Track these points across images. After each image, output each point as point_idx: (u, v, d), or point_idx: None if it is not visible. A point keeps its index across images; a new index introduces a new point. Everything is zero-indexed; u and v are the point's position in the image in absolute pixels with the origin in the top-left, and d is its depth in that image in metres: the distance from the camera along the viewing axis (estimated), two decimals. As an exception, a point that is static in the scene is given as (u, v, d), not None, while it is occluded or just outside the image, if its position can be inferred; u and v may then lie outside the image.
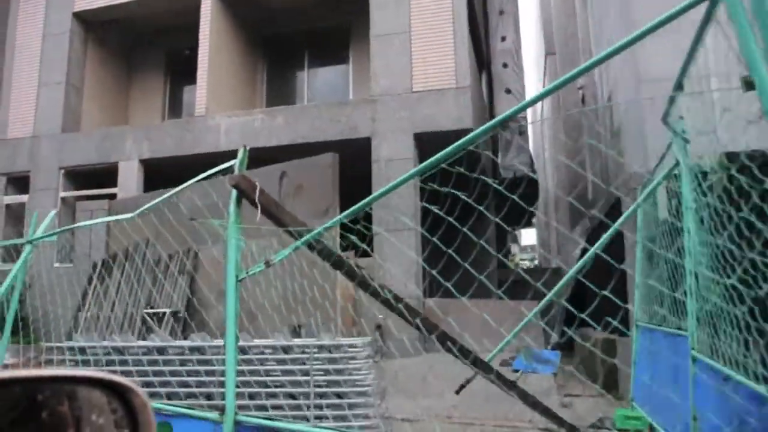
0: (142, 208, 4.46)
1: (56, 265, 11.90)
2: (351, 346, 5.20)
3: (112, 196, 11.62)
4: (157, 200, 4.26)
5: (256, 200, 2.73)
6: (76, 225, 4.30)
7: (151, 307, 8.39)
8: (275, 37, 13.45)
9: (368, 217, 8.90)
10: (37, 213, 4.33)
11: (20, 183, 12.65)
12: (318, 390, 4.94)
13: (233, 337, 2.54)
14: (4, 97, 13.01)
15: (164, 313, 8.41)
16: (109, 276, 8.40)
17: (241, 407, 4.52)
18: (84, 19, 13.02)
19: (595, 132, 12.99)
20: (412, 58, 10.73)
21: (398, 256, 9.58)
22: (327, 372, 5.04)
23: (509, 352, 8.91)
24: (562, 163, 19.38)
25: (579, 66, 2.24)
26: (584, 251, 7.52)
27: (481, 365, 3.45)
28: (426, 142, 10.47)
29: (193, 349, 5.19)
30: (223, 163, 4.47)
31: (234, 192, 2.86)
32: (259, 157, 10.73)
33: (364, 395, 4.94)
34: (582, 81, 15.10)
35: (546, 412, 3.32)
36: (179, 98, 14.16)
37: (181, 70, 14.16)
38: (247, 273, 2.73)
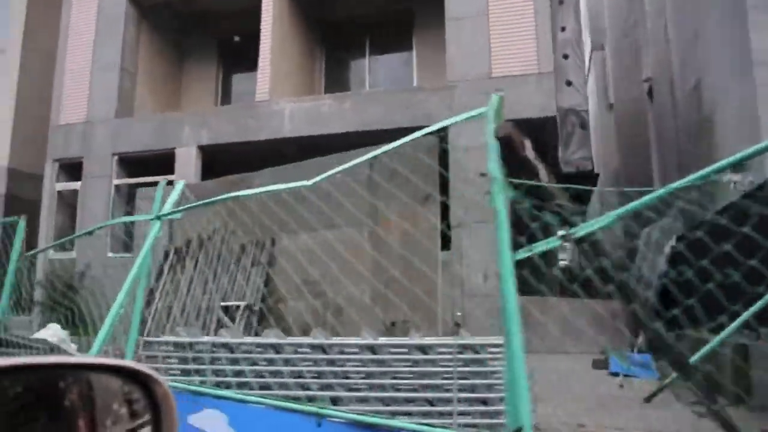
0: (263, 189, 3.89)
1: (110, 255, 11.47)
2: (493, 345, 4.61)
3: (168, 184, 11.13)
4: (291, 185, 3.66)
5: (527, 156, 2.13)
6: (202, 201, 3.73)
7: (226, 301, 7.86)
8: (335, 24, 12.90)
9: (445, 210, 8.33)
10: (163, 184, 3.78)
11: (73, 170, 12.23)
12: (461, 395, 4.36)
13: (517, 338, 1.93)
14: (57, 82, 12.61)
15: (237, 307, 7.88)
16: (181, 266, 7.89)
17: (376, 413, 3.94)
18: (138, 1, 12.58)
19: (671, 125, 12.27)
20: (491, 42, 10.12)
21: (480, 250, 8.98)
22: (465, 374, 4.46)
23: (595, 353, 8.28)
24: (614, 158, 18.61)
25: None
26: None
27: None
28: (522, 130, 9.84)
29: (316, 347, 4.62)
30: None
31: (494, 145, 2.26)
32: (325, 144, 10.21)
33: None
34: (649, 72, 14.35)
35: None
36: (232, 85, 13.67)
37: (235, 56, 13.69)
38: (531, 249, 2.11)
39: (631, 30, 16.16)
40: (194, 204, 3.58)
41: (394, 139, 9.19)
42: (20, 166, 14.56)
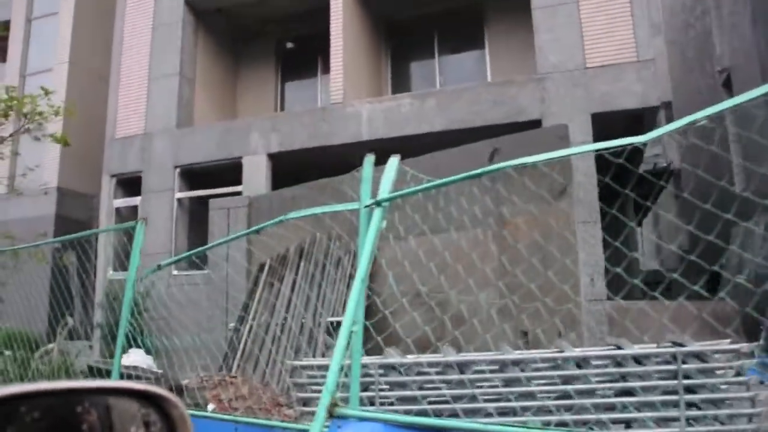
0: (398, 193, 3.12)
1: (175, 273, 10.79)
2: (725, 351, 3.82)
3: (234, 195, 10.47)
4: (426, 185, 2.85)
5: None
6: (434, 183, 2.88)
7: (327, 317, 7.09)
8: (400, 22, 12.27)
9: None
10: (370, 160, 3.02)
11: (131, 185, 11.63)
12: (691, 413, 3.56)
13: None
14: (112, 95, 12.09)
15: (339, 323, 7.10)
16: (279, 279, 7.15)
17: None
18: (194, 7, 12.06)
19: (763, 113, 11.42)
20: (583, 30, 9.38)
21: (585, 251, 8.17)
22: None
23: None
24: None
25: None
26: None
27: None
28: (605, 124, 9.07)
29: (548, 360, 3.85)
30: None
31: None
32: (406, 146, 9.47)
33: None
34: (726, 62, 13.51)
35: None
36: (292, 90, 13.06)
37: (294, 61, 13.11)
38: None
39: (698, 20, 15.36)
40: (428, 185, 2.82)
41: (483, 138, 8.37)
42: (69, 185, 14.06)
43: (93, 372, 6.31)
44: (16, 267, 6.79)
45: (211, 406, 5.58)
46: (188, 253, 4.05)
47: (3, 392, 0.77)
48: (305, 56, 12.90)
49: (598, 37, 9.31)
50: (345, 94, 10.26)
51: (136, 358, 7.42)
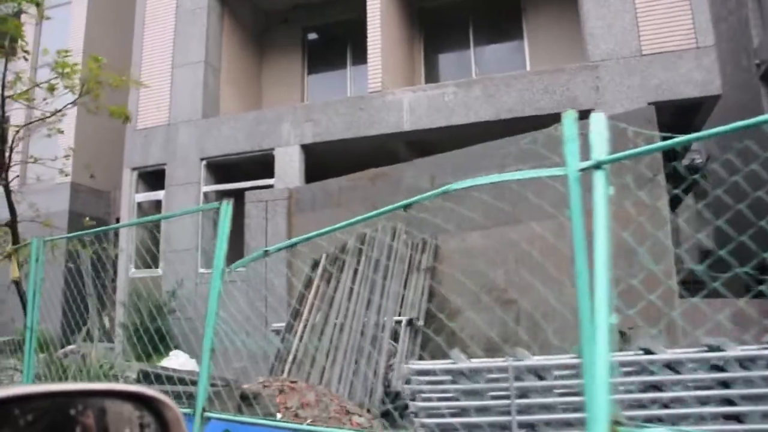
0: (625, 153, 2.59)
1: (201, 270, 10.27)
2: None
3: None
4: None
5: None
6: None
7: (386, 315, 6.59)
8: (434, 10, 11.79)
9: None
10: (573, 116, 2.51)
11: (153, 178, 11.08)
12: None
13: None
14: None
15: (399, 323, 6.61)
16: (336, 275, 6.64)
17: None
18: (219, -7, 11.53)
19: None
20: (638, 15, 8.95)
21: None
22: None
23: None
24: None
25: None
26: None
27: None
28: (662, 113, 8.63)
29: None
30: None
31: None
32: (454, 138, 8.99)
33: None
34: (765, 54, 13.13)
35: None
36: (319, 80, 12.54)
37: (321, 50, 12.60)
38: None
39: (732, 13, 15.00)
40: (657, 146, 2.32)
41: (533, 129, 7.88)
42: (83, 181, 13.48)
43: (150, 378, 5.73)
44: (55, 257, 6.26)
45: (279, 415, 5.08)
46: (298, 240, 3.48)
47: None
48: (334, 45, 12.41)
49: (654, 23, 8.88)
50: (383, 82, 9.77)
51: (181, 360, 6.90)
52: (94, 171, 13.54)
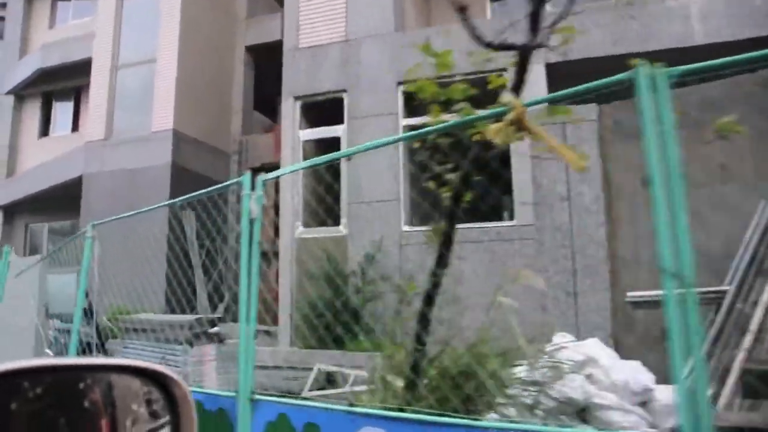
0: None
1: (405, 228, 7.90)
2: None
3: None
4: None
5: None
6: None
7: None
8: None
9: None
10: None
11: (324, 110, 8.55)
12: None
13: None
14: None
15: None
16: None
17: None
18: None
19: None
20: None
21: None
22: None
23: None
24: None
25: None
26: None
27: None
28: None
29: None
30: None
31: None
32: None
33: None
34: None
35: None
36: None
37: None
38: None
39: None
40: None
41: None
42: (186, 131, 10.77)
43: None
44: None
45: None
46: None
47: (6, 367, 0.76)
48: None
49: None
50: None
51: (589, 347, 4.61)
52: (197, 122, 10.88)
